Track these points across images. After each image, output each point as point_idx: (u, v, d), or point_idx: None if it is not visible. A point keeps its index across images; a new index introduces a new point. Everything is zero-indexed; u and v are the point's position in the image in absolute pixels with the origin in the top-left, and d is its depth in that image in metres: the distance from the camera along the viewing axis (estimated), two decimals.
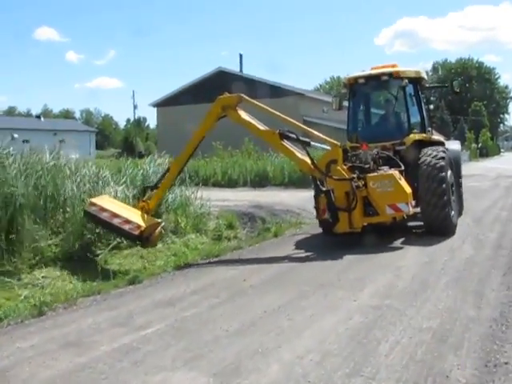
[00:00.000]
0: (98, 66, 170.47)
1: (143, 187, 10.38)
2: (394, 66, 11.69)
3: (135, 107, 74.12)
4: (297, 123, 10.06)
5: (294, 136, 9.44)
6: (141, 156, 46.32)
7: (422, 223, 10.45)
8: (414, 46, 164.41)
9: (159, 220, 9.80)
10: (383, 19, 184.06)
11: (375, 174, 9.45)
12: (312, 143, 9.74)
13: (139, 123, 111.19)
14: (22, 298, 7.11)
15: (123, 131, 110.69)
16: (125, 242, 9.61)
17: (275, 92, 35.97)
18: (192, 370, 4.51)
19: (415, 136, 11.07)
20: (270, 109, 9.77)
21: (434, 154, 10.14)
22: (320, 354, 4.66)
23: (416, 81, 11.52)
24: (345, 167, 9.35)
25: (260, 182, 25.58)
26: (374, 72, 11.64)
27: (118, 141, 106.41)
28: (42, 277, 8.19)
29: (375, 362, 4.43)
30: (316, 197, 9.94)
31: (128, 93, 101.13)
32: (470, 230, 10.81)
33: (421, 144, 10.88)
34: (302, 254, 9.42)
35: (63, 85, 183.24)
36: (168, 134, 42.17)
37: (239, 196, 19.03)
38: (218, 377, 4.33)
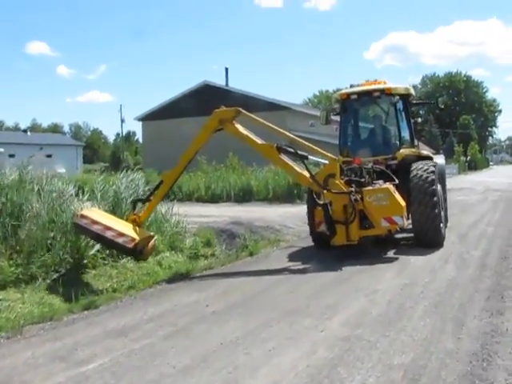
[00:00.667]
0: (90, 80, 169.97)
1: (133, 200, 10.12)
2: (383, 82, 12.04)
3: (123, 121, 73.43)
4: (295, 137, 10.18)
5: (291, 150, 9.51)
6: (131, 170, 45.81)
7: (409, 235, 10.66)
8: (404, 60, 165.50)
9: (152, 233, 9.60)
10: (373, 33, 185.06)
11: (371, 187, 9.64)
12: (310, 157, 9.86)
13: (129, 137, 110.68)
14: None
15: (112, 145, 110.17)
16: (91, 261, 9.17)
17: (262, 106, 35.43)
18: None
19: (405, 151, 11.28)
20: (267, 123, 9.78)
21: (425, 168, 10.30)
22: None
23: (405, 97, 11.77)
24: (341, 181, 9.46)
25: (244, 196, 25.05)
26: (366, 88, 11.91)
27: (106, 155, 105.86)
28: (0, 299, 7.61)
29: None
30: (311, 210, 10.41)
31: (122, 107, 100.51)
32: (454, 248, 10.25)
33: (411, 159, 11.05)
34: (274, 275, 8.81)
35: (54, 99, 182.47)
36: (153, 147, 41.72)
37: (221, 212, 18.52)
38: None
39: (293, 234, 14.14)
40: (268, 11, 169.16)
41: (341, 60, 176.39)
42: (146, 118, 43.90)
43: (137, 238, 8.65)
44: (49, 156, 67.85)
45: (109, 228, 8.63)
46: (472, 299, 6.59)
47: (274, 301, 7.06)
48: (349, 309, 6.43)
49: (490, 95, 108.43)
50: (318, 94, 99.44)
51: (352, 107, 12.18)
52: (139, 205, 9.95)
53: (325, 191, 9.29)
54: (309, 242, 12.39)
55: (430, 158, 11.62)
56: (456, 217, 15.14)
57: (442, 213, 10.65)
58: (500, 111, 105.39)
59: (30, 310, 7.33)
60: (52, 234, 9.22)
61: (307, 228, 14.67)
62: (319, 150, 9.78)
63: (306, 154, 9.69)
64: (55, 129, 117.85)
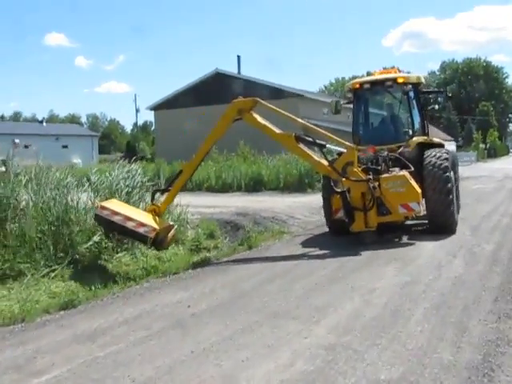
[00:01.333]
0: (107, 70, 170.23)
1: (153, 191, 10.13)
2: (394, 71, 12.45)
3: (137, 111, 73.36)
4: (312, 126, 10.33)
5: (309, 139, 9.70)
6: (145, 160, 45.51)
7: (419, 221, 10.89)
8: (423, 46, 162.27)
9: (171, 223, 9.65)
10: (391, 20, 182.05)
11: (388, 175, 9.80)
12: (328, 145, 10.05)
13: (145, 127, 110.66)
14: None
15: (129, 135, 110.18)
16: (87, 254, 8.91)
17: (274, 93, 34.82)
18: None
19: (418, 139, 11.42)
20: (284, 112, 9.89)
21: (438, 155, 10.40)
22: None
23: (416, 86, 11.89)
24: (359, 169, 9.56)
25: (254, 186, 24.44)
26: (379, 77, 12.03)
27: (123, 145, 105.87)
28: None
29: None
30: (327, 198, 10.70)
31: (138, 97, 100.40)
32: (464, 241, 9.57)
33: (423, 146, 11.17)
34: (268, 270, 8.23)
35: (72, 90, 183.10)
36: (166, 137, 41.30)
37: (229, 202, 17.98)
38: None
39: (298, 226, 13.56)
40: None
41: (359, 47, 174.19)
42: (158, 108, 43.39)
43: (157, 227, 8.64)
44: (65, 147, 68.08)
45: (129, 218, 8.62)
46: (478, 300, 5.94)
47: (261, 301, 6.47)
48: (341, 311, 5.81)
49: (510, 81, 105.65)
50: (334, 81, 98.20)
51: (365, 96, 12.30)
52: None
53: (343, 179, 9.39)
54: (313, 234, 11.89)
55: (442, 146, 11.64)
56: (470, 207, 14.45)
57: (455, 200, 10.65)
58: None
59: (10, 309, 6.88)
60: (44, 227, 8.94)
61: (314, 219, 14.56)
62: (336, 138, 9.86)
63: (323, 142, 9.82)
64: (72, 119, 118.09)
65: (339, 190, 9.54)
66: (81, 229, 9.71)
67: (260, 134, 9.98)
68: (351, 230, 9.64)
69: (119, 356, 4.96)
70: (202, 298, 6.87)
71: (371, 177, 9.55)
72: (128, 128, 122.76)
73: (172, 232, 9.32)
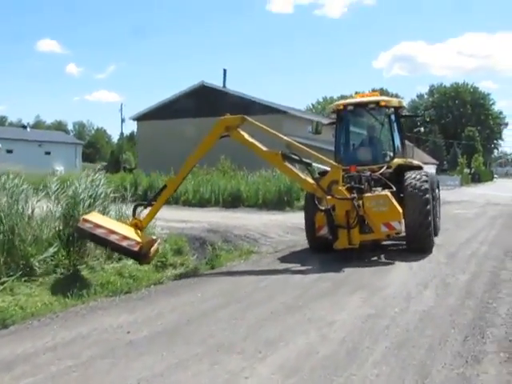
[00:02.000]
0: (98, 79, 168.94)
1: (135, 205, 9.96)
2: (376, 95, 13.09)
3: (123, 121, 72.41)
4: (299, 145, 10.47)
5: (296, 157, 9.87)
6: (128, 170, 44.79)
7: (395, 242, 11.25)
8: (413, 70, 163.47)
9: (154, 237, 9.59)
10: (382, 43, 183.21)
11: (371, 194, 10.06)
12: (314, 164, 10.38)
13: (132, 137, 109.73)
14: None
15: (115, 145, 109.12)
16: (43, 266, 8.44)
17: (258, 109, 34.30)
18: None
19: (398, 160, 11.72)
20: (273, 131, 10.07)
21: (418, 177, 10.61)
22: None
23: (397, 109, 12.35)
24: (343, 187, 9.72)
25: (233, 202, 23.97)
26: (362, 100, 12.43)
27: (109, 154, 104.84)
28: None
29: None
30: (311, 215, 10.64)
31: (125, 106, 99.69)
32: (439, 270, 9.01)
33: (402, 168, 11.44)
34: (225, 295, 7.59)
35: (61, 97, 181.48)
36: (148, 148, 40.61)
37: (204, 217, 17.37)
38: None
39: (270, 245, 12.99)
40: (279, 17, 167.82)
41: (349, 68, 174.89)
42: (142, 118, 42.67)
43: (140, 241, 8.60)
44: (47, 153, 67.13)
45: (112, 232, 8.54)
46: (446, 339, 5.35)
47: (208, 330, 5.84)
48: (292, 346, 5.19)
49: (497, 108, 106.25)
50: (321, 100, 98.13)
51: (348, 118, 12.63)
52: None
53: (328, 197, 9.50)
54: (282, 254, 11.33)
55: (421, 168, 11.95)
56: (449, 232, 13.98)
57: (433, 221, 10.85)
58: (506, 124, 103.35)
59: None
60: None
61: (287, 238, 14.14)
62: (322, 156, 10.08)
63: (309, 161, 10.04)
64: (59, 126, 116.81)
65: (323, 208, 9.61)
66: (36, 240, 9.17)
67: (241, 149, 10.14)
68: (335, 247, 9.76)
69: None
70: (145, 323, 6.24)
71: (355, 195, 9.72)
72: (115, 137, 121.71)
73: (155, 246, 9.23)
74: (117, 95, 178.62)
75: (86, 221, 8.65)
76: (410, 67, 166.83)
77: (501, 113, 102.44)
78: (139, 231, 9.07)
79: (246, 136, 9.86)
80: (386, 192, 10.14)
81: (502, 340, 5.31)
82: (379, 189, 10.54)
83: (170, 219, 13.41)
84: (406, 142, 14.16)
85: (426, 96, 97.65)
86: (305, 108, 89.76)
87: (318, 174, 10.90)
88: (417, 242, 10.39)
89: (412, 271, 8.88)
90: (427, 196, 10.32)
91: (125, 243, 8.50)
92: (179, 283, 8.66)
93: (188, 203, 24.40)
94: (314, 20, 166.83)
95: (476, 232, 14.54)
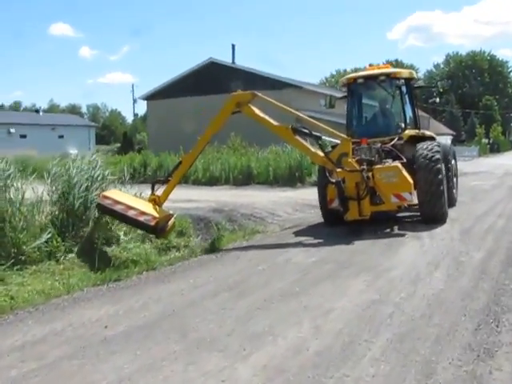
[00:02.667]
0: (112, 61, 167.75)
1: (153, 181, 10.24)
2: (387, 67, 13.03)
3: (135, 101, 71.88)
4: (309, 119, 10.69)
5: (306, 131, 9.95)
6: (137, 151, 44.45)
7: (411, 213, 11.29)
8: (428, 40, 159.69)
9: (171, 212, 9.69)
10: (396, 14, 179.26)
11: (381, 165, 10.14)
12: (323, 137, 10.54)
13: (146, 118, 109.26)
14: None
15: (129, 126, 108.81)
16: (35, 254, 8.14)
17: (269, 84, 33.57)
18: None
19: (410, 132, 11.68)
20: (281, 105, 10.21)
21: (430, 147, 10.60)
22: None
23: (409, 81, 12.25)
24: (353, 159, 9.83)
25: (243, 179, 23.47)
26: (372, 72, 12.42)
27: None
28: None
29: None
30: (322, 188, 10.86)
31: (139, 87, 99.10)
32: (452, 247, 8.36)
33: (415, 139, 11.36)
34: (218, 281, 7.04)
35: (75, 80, 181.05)
36: (158, 127, 40.12)
37: (212, 196, 16.89)
38: None
39: (277, 224, 12.47)
40: None
41: (363, 40, 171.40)
42: (151, 98, 42.12)
43: (157, 216, 8.82)
44: (61, 137, 66.93)
45: (131, 207, 8.82)
46: (455, 328, 4.74)
47: (192, 322, 5.30)
48: (281, 341, 4.63)
49: None
50: (335, 73, 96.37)
51: (358, 90, 12.59)
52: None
53: (338, 169, 9.59)
54: (287, 234, 10.76)
55: (433, 139, 11.86)
56: (465, 205, 13.27)
57: (446, 191, 10.83)
58: None
59: None
60: None
61: (296, 216, 13.64)
62: (331, 130, 10.20)
63: (319, 134, 10.21)
64: (73, 110, 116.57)
65: (334, 181, 9.69)
66: (28, 226, 8.65)
67: (251, 125, 10.34)
68: (345, 219, 9.84)
69: None
70: (127, 316, 5.73)
71: (365, 167, 9.79)
72: (130, 119, 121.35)
73: (171, 221, 9.42)
74: (131, 76, 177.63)
75: (105, 197, 8.97)
76: (426, 37, 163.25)
77: None
78: (157, 207, 9.28)
79: (257, 111, 9.96)
80: (397, 163, 10.19)
81: None
82: (390, 160, 10.54)
83: (177, 199, 12.88)
84: (422, 114, 14.01)
85: (442, 66, 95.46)
86: (318, 82, 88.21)
87: (331, 147, 10.82)
88: (429, 212, 10.40)
89: (423, 249, 8.26)
90: (438, 166, 10.30)
91: (142, 218, 8.73)
92: (173, 268, 8.16)
93: (198, 182, 23.93)
94: None
95: (493, 204, 13.80)
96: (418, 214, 10.92)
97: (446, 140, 13.70)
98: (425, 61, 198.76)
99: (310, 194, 15.18)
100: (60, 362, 4.50)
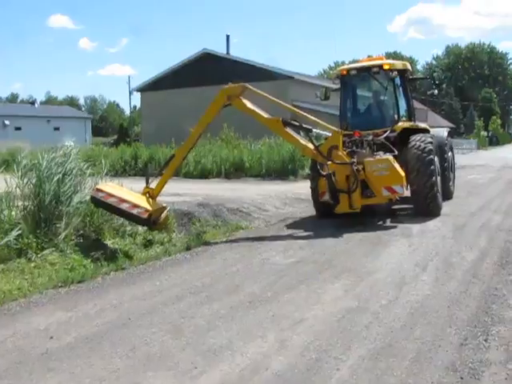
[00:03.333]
0: (111, 53, 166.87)
1: (146, 174, 10.45)
2: (381, 59, 12.85)
3: (131, 93, 70.90)
4: (300, 111, 10.61)
5: (296, 123, 9.91)
6: (127, 143, 43.83)
7: (406, 206, 11.08)
8: (429, 33, 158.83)
9: (165, 204, 9.75)
10: (397, 6, 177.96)
11: (372, 158, 10.02)
12: (314, 130, 10.46)
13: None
14: None
15: (127, 118, 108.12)
16: (4, 251, 7.76)
17: (264, 75, 32.90)
18: None
19: (404, 124, 11.62)
20: (272, 97, 10.12)
21: (423, 139, 10.60)
22: None
23: (403, 73, 12.12)
24: (344, 152, 9.81)
25: (235, 172, 22.86)
26: (365, 64, 12.30)
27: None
28: None
29: None
30: (314, 181, 10.90)
31: (136, 79, 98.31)
32: (442, 246, 7.81)
33: (408, 131, 11.31)
34: (185, 284, 6.47)
35: (75, 72, 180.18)
36: (151, 119, 39.47)
37: (201, 189, 16.26)
38: None
39: (264, 219, 11.90)
40: None
41: (363, 33, 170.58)
42: (145, 89, 41.41)
43: (150, 208, 8.90)
44: (56, 129, 66.32)
45: (124, 200, 8.91)
46: (438, 344, 4.18)
47: (146, 333, 4.73)
48: (238, 358, 4.06)
49: None
50: (333, 65, 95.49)
51: (351, 82, 12.48)
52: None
53: (328, 162, 9.58)
54: (271, 230, 10.29)
55: (427, 131, 11.86)
56: (460, 200, 12.73)
57: (438, 182, 10.77)
58: None
59: None
60: None
61: (284, 211, 13.13)
62: (323, 123, 10.25)
63: (310, 127, 10.16)
64: (70, 102, 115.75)
65: (325, 173, 9.67)
66: None
67: (244, 117, 10.15)
68: (336, 212, 9.84)
69: None
70: (78, 323, 5.18)
71: (355, 160, 9.74)
72: (128, 111, 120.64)
73: (165, 213, 9.53)
74: (130, 68, 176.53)
75: (99, 190, 9.03)
76: (426, 30, 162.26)
77: None
78: (151, 199, 9.32)
79: (248, 104, 9.90)
80: (388, 156, 10.09)
81: None
82: (381, 153, 10.42)
83: (163, 193, 12.38)
84: (420, 106, 13.61)
85: (441, 58, 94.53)
86: (317, 74, 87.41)
87: (325, 139, 10.77)
88: (421, 204, 10.30)
89: (411, 248, 7.71)
90: (431, 156, 10.23)
91: (135, 211, 8.80)
92: (142, 268, 7.57)
93: (189, 175, 23.28)
94: None
95: (489, 200, 13.23)
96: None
97: (443, 132, 13.43)
98: (425, 53, 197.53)
99: (302, 188, 14.68)
100: None
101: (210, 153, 24.67)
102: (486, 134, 72.03)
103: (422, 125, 12.45)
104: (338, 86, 13.15)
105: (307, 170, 18.21)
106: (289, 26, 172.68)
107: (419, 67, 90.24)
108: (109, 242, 9.44)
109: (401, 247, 7.81)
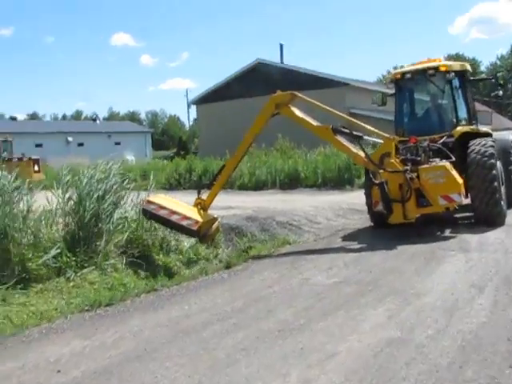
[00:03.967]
0: (172, 67, 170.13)
1: (198, 186, 10.99)
2: (438, 60, 12.18)
3: (189, 106, 71.80)
4: (350, 118, 10.44)
5: (346, 131, 9.72)
6: (182, 155, 44.15)
7: (469, 214, 10.38)
8: (493, 32, 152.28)
9: (215, 216, 9.70)
10: (457, 7, 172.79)
11: (427, 165, 9.61)
12: (365, 137, 10.12)
13: None
14: None
15: (187, 131, 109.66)
16: (43, 271, 7.55)
17: (319, 83, 32.39)
18: None
19: (463, 128, 11.06)
20: (322, 105, 9.94)
21: (483, 143, 10.14)
22: None
23: (461, 74, 11.63)
24: (397, 160, 9.48)
25: (290, 183, 22.32)
26: (420, 66, 11.87)
27: (182, 141, 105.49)
28: None
29: None
30: (368, 190, 10.64)
31: (196, 92, 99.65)
32: (504, 263, 6.96)
33: (469, 136, 10.78)
34: (215, 309, 5.95)
35: (137, 88, 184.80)
36: (208, 131, 39.56)
37: (253, 202, 15.96)
38: None
39: (314, 233, 11.38)
40: None
41: (423, 36, 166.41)
42: (200, 102, 41.56)
43: (200, 220, 8.96)
44: (117, 143, 67.72)
45: (174, 212, 9.01)
46: None
47: (159, 368, 4.24)
48: None
49: None
50: (392, 70, 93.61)
51: (406, 86, 12.06)
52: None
53: (381, 171, 9.33)
54: (319, 246, 9.76)
55: (489, 135, 11.17)
56: None
57: (503, 190, 10.32)
58: None
59: None
60: None
61: (337, 223, 12.47)
62: (375, 130, 9.98)
63: (360, 134, 9.93)
64: (132, 117, 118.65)
65: (377, 182, 9.38)
66: (34, 241, 8.04)
67: (299, 127, 9.99)
68: (389, 222, 9.50)
69: None
70: (92, 355, 4.77)
71: (409, 168, 9.37)
72: (187, 124, 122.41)
73: (215, 224, 9.48)
74: (190, 81, 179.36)
75: (150, 202, 9.18)
76: (490, 29, 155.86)
77: None
78: (202, 211, 9.39)
79: (297, 112, 9.81)
80: (444, 163, 9.60)
81: None
82: (437, 160, 9.92)
83: (215, 206, 12.06)
84: (484, 108, 12.84)
85: (506, 57, 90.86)
86: (376, 80, 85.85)
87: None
88: (482, 211, 9.73)
89: (468, 265, 6.92)
90: (492, 161, 9.69)
91: (185, 223, 8.88)
92: (175, 290, 7.14)
93: (244, 187, 22.93)
94: None
95: None
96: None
97: (508, 135, 12.70)
98: (489, 54, 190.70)
99: (357, 198, 14.06)
100: None
101: (264, 164, 24.22)
102: None
103: (484, 128, 11.77)
104: (393, 91, 12.85)
105: (363, 179, 17.59)
106: (345, 31, 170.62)
107: (483, 68, 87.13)
108: (152, 259, 9.23)
109: (456, 263, 7.03)
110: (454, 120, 11.35)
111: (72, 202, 9.00)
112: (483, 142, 10.15)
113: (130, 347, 4.87)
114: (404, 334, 4.55)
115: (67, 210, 8.99)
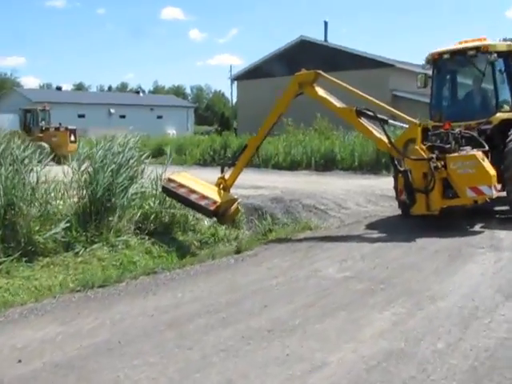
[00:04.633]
0: (220, 43, 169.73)
1: (221, 164, 10.59)
2: (483, 40, 11.22)
3: (232, 82, 71.13)
4: (374, 100, 9.72)
5: (371, 113, 9.32)
6: (218, 131, 43.79)
7: (507, 208, 9.59)
8: None
9: (236, 196, 9.55)
10: None
11: (456, 154, 8.99)
12: (390, 121, 9.66)
13: None
14: None
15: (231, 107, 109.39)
16: (51, 245, 7.43)
17: (361, 63, 31.36)
18: None
19: (503, 115, 10.23)
20: (346, 85, 9.59)
21: None
22: None
23: (507, 55, 10.73)
24: (423, 147, 8.94)
25: (326, 164, 21.69)
26: (459, 46, 11.05)
27: (226, 117, 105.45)
28: None
29: None
30: (395, 177, 10.20)
31: (239, 68, 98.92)
32: None
33: (510, 124, 9.99)
34: (207, 300, 5.46)
35: (185, 62, 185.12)
36: (248, 108, 38.94)
37: (283, 182, 15.49)
38: None
39: (339, 218, 10.83)
40: None
41: (479, 20, 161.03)
42: (241, 78, 40.95)
43: (219, 200, 8.80)
44: (159, 117, 67.89)
45: (193, 191, 8.92)
46: None
47: (126, 365, 3.78)
48: None
49: None
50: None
51: (445, 68, 11.40)
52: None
53: (404, 157, 8.91)
54: (341, 232, 9.32)
55: None
56: None
57: None
58: None
59: None
60: None
61: (365, 209, 11.90)
62: (401, 114, 9.52)
63: (386, 118, 9.42)
64: (177, 91, 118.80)
65: (401, 170, 8.91)
66: (43, 213, 7.87)
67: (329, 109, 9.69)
68: (411, 213, 9.02)
69: None
70: (62, 343, 4.38)
71: (434, 156, 8.73)
72: (233, 100, 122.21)
73: (234, 206, 9.30)
74: (237, 58, 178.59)
75: (170, 180, 9.14)
76: None
77: None
78: (222, 191, 9.20)
79: (321, 92, 9.48)
80: (475, 152, 8.87)
81: None
82: (468, 148, 9.19)
83: (244, 184, 11.66)
84: None
85: None
86: (423, 62, 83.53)
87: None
88: None
89: (497, 266, 6.22)
90: None
91: (203, 202, 8.77)
92: (175, 274, 6.71)
93: (278, 166, 22.50)
94: None
95: None
96: None
97: None
98: None
99: (392, 184, 13.43)
100: None
101: (300, 144, 23.56)
102: None
103: None
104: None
105: None
106: (394, 12, 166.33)
107: None
108: (169, 238, 8.93)
109: (484, 264, 6.34)
110: (494, 106, 10.57)
111: (87, 175, 8.76)
112: None
113: (104, 338, 4.44)
114: (408, 345, 3.95)
115: (81, 183, 8.75)
